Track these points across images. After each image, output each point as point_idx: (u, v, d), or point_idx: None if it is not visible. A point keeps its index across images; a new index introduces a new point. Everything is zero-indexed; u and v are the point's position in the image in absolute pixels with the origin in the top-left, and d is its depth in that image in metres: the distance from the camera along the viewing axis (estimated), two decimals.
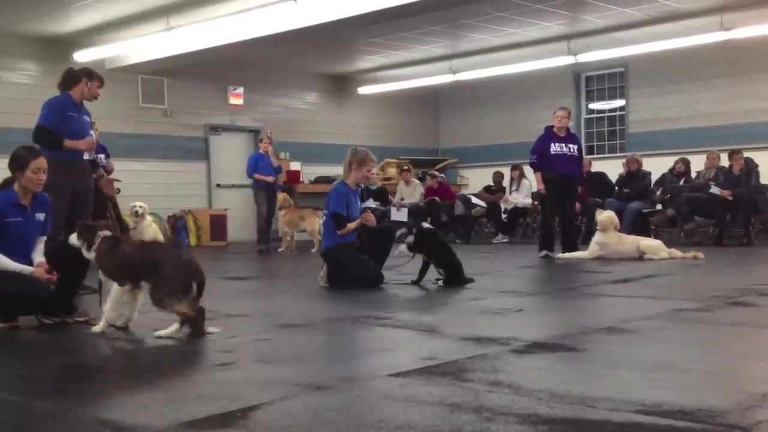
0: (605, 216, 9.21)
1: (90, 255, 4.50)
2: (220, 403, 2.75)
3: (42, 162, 4.79)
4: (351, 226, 6.68)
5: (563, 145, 9.30)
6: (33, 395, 3.04)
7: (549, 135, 9.40)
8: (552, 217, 9.69)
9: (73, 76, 6.30)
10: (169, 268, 4.17)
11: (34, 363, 3.80)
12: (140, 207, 10.27)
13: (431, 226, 6.85)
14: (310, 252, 10.93)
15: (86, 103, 6.48)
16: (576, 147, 9.44)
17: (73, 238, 4.56)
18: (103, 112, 11.27)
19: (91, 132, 6.45)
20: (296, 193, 14.08)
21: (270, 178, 11.91)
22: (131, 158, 12.56)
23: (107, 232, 4.55)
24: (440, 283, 6.46)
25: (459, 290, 6.20)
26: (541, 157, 9.34)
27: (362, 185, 7.50)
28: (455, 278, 6.45)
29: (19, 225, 4.72)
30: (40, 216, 4.87)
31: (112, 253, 4.41)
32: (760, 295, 5.52)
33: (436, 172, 14.93)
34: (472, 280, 6.53)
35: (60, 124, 6.18)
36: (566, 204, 9.48)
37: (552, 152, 9.27)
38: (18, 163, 4.74)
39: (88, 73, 6.32)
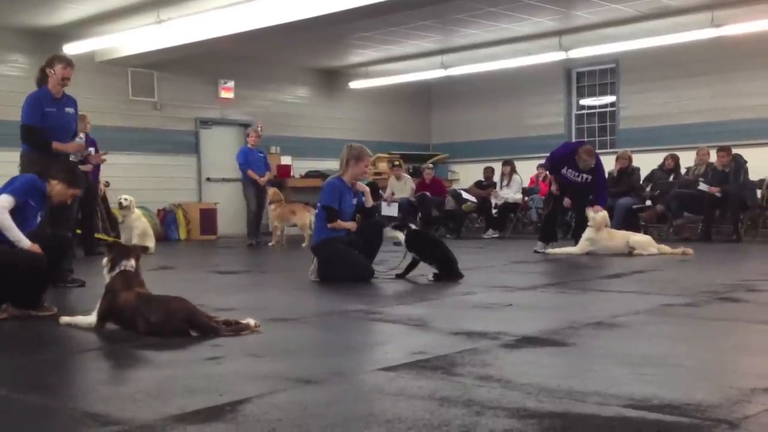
0: (600, 216, 9.20)
1: (107, 278, 4.29)
2: (210, 396, 2.74)
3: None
4: (343, 224, 6.67)
5: (575, 173, 9.31)
6: (21, 389, 3.02)
7: (567, 160, 9.34)
8: (560, 210, 9.91)
9: (42, 70, 6.23)
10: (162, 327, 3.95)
11: (22, 356, 3.78)
12: (125, 199, 10.19)
13: (416, 227, 6.75)
14: (301, 246, 10.92)
15: (74, 94, 6.44)
16: (589, 177, 9.30)
17: (104, 261, 4.35)
18: (92, 105, 11.25)
19: (80, 135, 6.32)
20: (287, 187, 14.05)
21: (262, 180, 11.86)
22: (121, 152, 12.49)
23: (132, 265, 4.27)
24: (431, 278, 6.46)
25: (449, 285, 6.21)
26: (553, 165, 9.50)
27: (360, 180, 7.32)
28: (448, 273, 6.45)
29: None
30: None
31: (111, 296, 4.18)
32: (749, 291, 5.56)
33: (432, 164, 14.95)
34: (461, 275, 6.54)
35: (40, 120, 6.11)
36: (579, 201, 9.56)
37: (562, 173, 9.37)
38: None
39: (49, 63, 6.22)
